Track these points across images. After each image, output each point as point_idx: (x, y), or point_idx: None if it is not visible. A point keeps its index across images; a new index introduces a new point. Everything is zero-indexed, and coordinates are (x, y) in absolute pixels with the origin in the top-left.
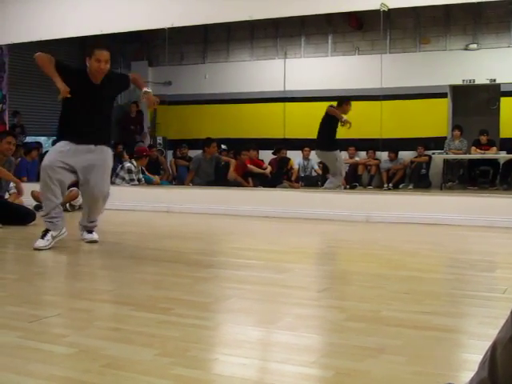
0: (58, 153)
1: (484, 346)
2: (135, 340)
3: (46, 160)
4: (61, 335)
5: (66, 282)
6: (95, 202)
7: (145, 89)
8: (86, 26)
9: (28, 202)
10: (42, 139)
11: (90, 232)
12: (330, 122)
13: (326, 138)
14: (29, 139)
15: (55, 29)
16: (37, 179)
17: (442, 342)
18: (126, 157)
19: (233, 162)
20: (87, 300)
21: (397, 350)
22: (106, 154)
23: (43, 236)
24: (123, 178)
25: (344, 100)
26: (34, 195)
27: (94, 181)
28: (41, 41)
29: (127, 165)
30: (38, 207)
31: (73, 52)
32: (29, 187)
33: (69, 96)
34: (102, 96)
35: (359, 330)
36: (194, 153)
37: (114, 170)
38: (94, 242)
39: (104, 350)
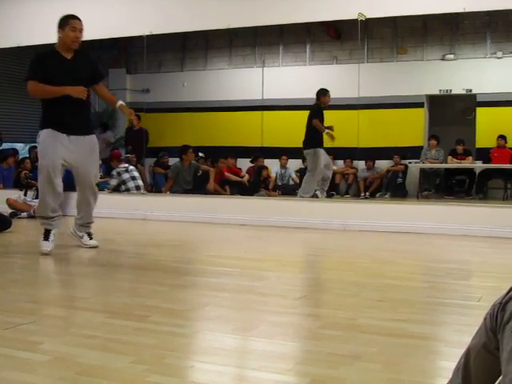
0: (56, 148)
1: (459, 353)
2: (110, 347)
3: (48, 159)
4: (36, 342)
5: (42, 289)
6: (92, 195)
7: (119, 102)
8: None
9: (3, 208)
10: (18, 146)
11: (90, 236)
12: (310, 121)
13: (307, 136)
14: (5, 146)
15: (34, 35)
16: (13, 186)
17: (417, 350)
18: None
19: (212, 171)
20: (63, 307)
21: (372, 357)
22: (95, 144)
23: (46, 237)
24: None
25: (321, 92)
26: (10, 202)
27: (89, 172)
28: (19, 47)
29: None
30: (14, 214)
31: None
32: (4, 194)
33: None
34: (77, 72)
35: (335, 337)
36: (171, 161)
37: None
38: (95, 247)
39: (79, 357)
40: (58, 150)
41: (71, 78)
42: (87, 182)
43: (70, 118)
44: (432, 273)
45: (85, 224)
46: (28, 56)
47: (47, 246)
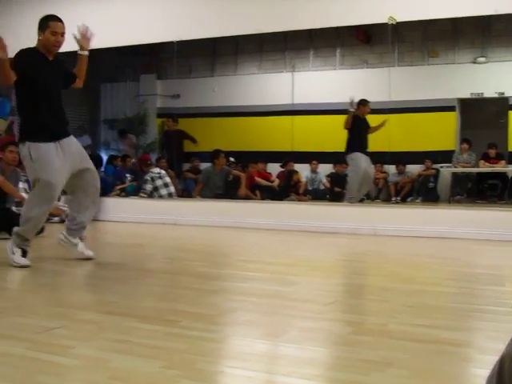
0: (57, 169)
1: (492, 360)
2: (141, 352)
3: (51, 179)
4: (67, 346)
5: (73, 293)
6: (97, 197)
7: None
8: (93, 39)
9: None
10: None
11: (83, 240)
12: (352, 127)
13: (347, 141)
14: None
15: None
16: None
17: (449, 356)
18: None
19: (243, 177)
20: (93, 311)
21: (403, 363)
22: (79, 144)
23: (25, 255)
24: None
25: (360, 102)
26: None
27: (90, 171)
28: None
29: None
30: (46, 219)
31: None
32: None
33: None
34: (57, 73)
35: (365, 343)
36: (202, 166)
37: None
38: (91, 259)
39: (110, 361)
40: (60, 173)
41: (53, 78)
42: (93, 184)
43: (56, 122)
44: (464, 278)
45: (81, 227)
46: None
47: (25, 261)
